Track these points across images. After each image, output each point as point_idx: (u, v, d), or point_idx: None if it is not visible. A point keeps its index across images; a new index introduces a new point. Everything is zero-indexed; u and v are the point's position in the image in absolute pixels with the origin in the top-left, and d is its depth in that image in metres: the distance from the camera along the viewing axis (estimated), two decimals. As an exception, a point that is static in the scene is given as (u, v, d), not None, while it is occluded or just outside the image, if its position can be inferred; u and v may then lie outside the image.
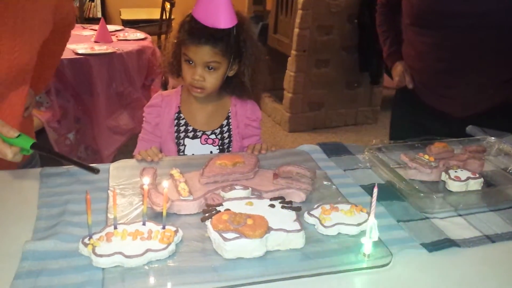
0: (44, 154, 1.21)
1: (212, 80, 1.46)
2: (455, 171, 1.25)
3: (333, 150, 1.46)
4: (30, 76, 1.36)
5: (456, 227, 1.09)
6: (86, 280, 0.85)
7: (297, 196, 1.15)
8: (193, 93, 1.50)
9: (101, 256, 0.87)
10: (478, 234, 1.06)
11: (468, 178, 1.23)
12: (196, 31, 1.41)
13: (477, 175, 1.24)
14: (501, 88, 1.71)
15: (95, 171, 1.19)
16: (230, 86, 1.55)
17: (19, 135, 1.12)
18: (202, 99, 1.55)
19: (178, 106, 1.56)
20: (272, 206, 1.04)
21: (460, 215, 1.14)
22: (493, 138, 1.51)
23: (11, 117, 1.30)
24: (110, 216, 1.02)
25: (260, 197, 1.12)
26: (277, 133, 4.39)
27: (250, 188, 1.14)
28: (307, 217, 1.05)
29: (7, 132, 1.11)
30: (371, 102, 4.64)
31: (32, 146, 1.14)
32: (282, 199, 1.08)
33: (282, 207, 1.04)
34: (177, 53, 1.51)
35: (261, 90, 1.64)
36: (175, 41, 1.50)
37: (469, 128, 1.62)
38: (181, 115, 1.56)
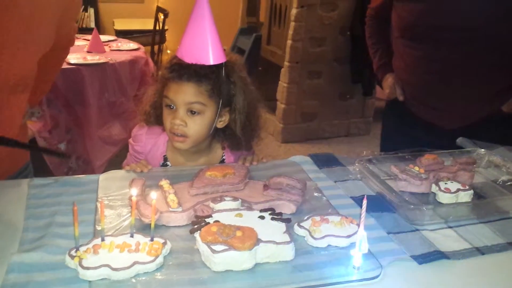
0: (10, 146, 1.20)
1: (195, 127, 1.29)
2: (445, 183, 1.25)
3: (324, 161, 1.46)
4: (30, 87, 1.35)
5: (446, 239, 1.08)
6: (72, 293, 0.84)
7: (287, 208, 1.14)
8: (174, 143, 1.32)
9: (87, 268, 0.86)
10: (468, 246, 1.06)
11: (458, 190, 1.23)
12: (177, 68, 1.27)
13: (467, 187, 1.24)
14: (491, 100, 1.72)
15: (65, 156, 1.18)
16: (221, 138, 1.41)
17: None
18: (188, 153, 1.39)
19: (164, 156, 1.42)
20: (262, 217, 1.04)
21: (450, 227, 1.14)
22: (483, 150, 1.51)
23: (10, 127, 1.29)
24: (98, 228, 1.01)
25: (250, 208, 1.11)
26: (270, 144, 4.38)
27: (240, 200, 1.14)
28: (297, 229, 1.05)
29: None
30: (363, 114, 4.67)
31: None
32: (272, 210, 1.07)
33: (272, 218, 1.04)
34: (157, 102, 1.36)
35: (257, 140, 1.45)
36: (157, 87, 1.36)
37: (460, 140, 1.62)
38: (168, 163, 1.41)
